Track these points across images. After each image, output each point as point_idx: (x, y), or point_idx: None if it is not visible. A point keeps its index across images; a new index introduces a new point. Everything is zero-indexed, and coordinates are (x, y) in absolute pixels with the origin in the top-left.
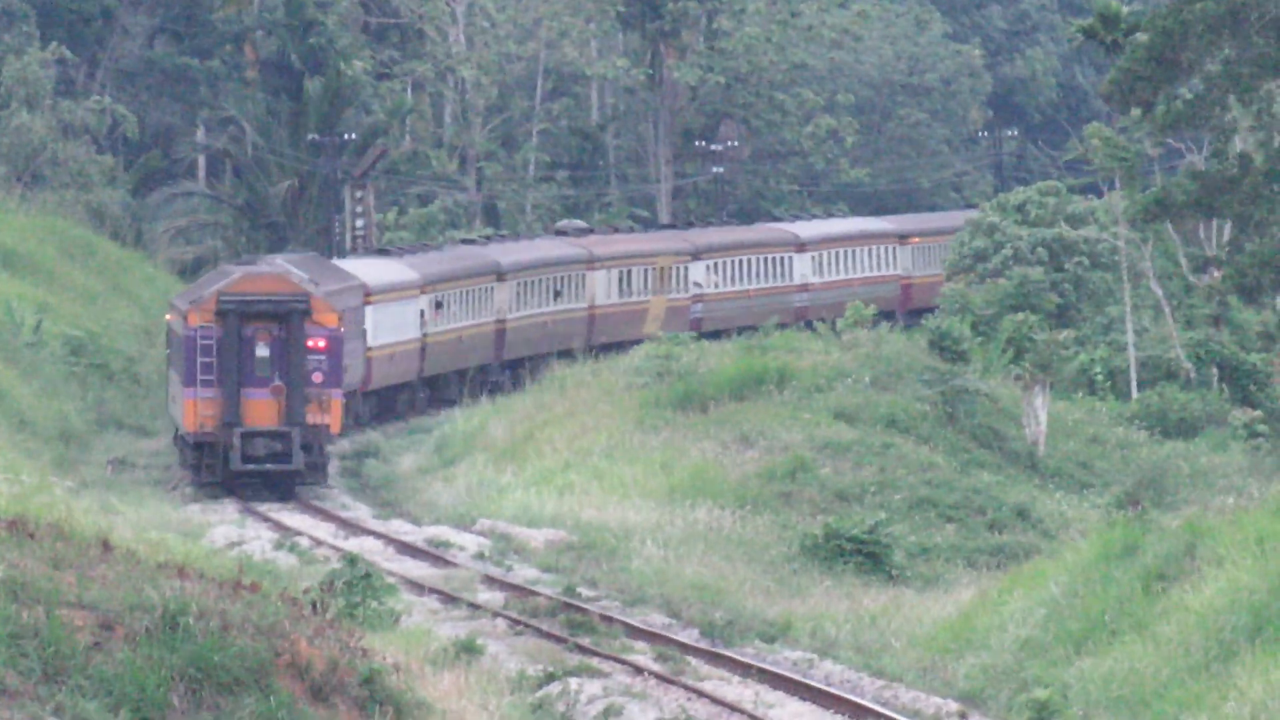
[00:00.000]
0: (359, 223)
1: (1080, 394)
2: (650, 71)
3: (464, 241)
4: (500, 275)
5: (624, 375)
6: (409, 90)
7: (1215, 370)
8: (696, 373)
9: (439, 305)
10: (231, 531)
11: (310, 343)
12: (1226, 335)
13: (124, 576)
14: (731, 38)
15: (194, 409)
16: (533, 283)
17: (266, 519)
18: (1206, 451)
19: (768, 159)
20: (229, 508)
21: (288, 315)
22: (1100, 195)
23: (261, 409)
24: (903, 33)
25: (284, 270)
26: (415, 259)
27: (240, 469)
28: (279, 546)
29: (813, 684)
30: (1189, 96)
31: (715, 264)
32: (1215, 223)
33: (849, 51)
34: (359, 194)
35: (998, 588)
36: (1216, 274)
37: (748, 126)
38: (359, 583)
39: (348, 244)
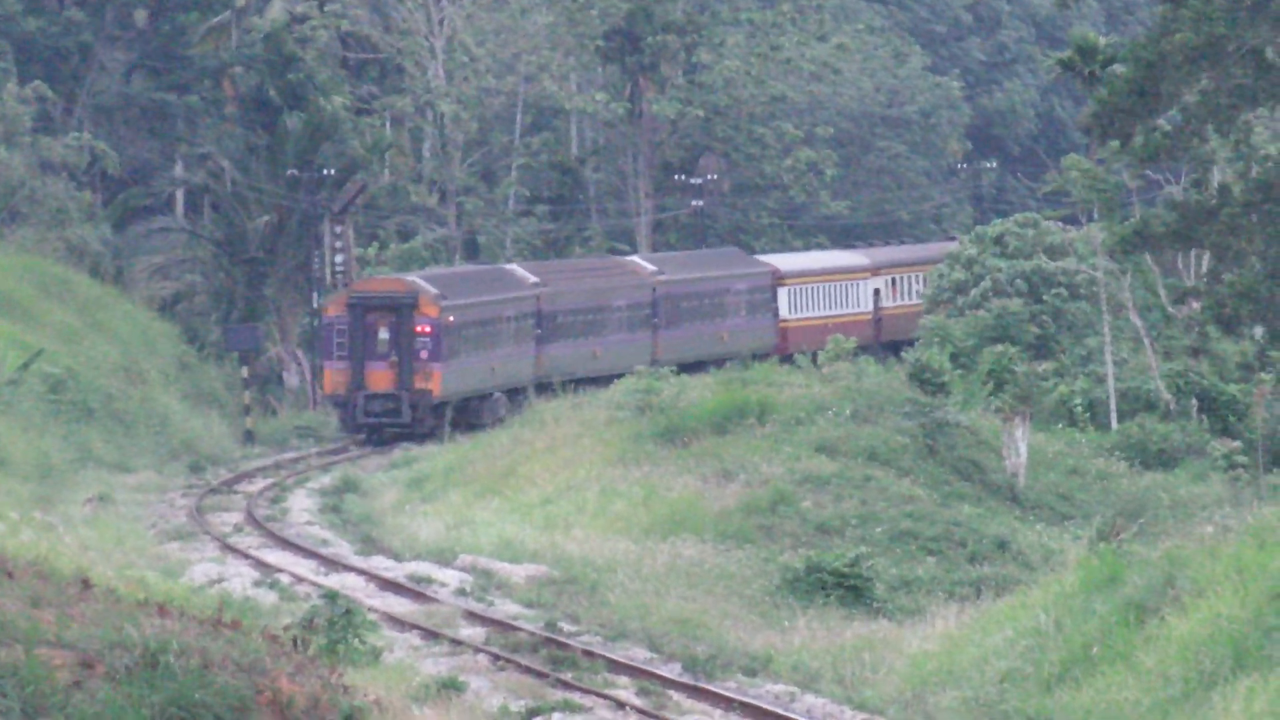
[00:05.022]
0: (338, 257)
1: (1060, 425)
2: (629, 105)
3: (949, 238)
4: None
5: (605, 409)
6: (388, 125)
7: (1194, 401)
8: (677, 407)
9: (894, 285)
10: (211, 569)
11: (418, 328)
12: (1206, 366)
13: (104, 615)
14: (710, 71)
15: (330, 377)
16: None
17: (246, 556)
18: (1186, 482)
19: (747, 192)
20: (209, 546)
21: (399, 308)
22: (1079, 227)
23: (380, 377)
24: (881, 65)
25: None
26: (871, 250)
27: (363, 422)
28: (259, 584)
29: (794, 717)
30: (1167, 128)
31: None
32: (1194, 254)
33: (828, 84)
34: (338, 229)
35: (979, 620)
36: (1195, 305)
37: (727, 159)
38: (340, 619)
39: (327, 279)
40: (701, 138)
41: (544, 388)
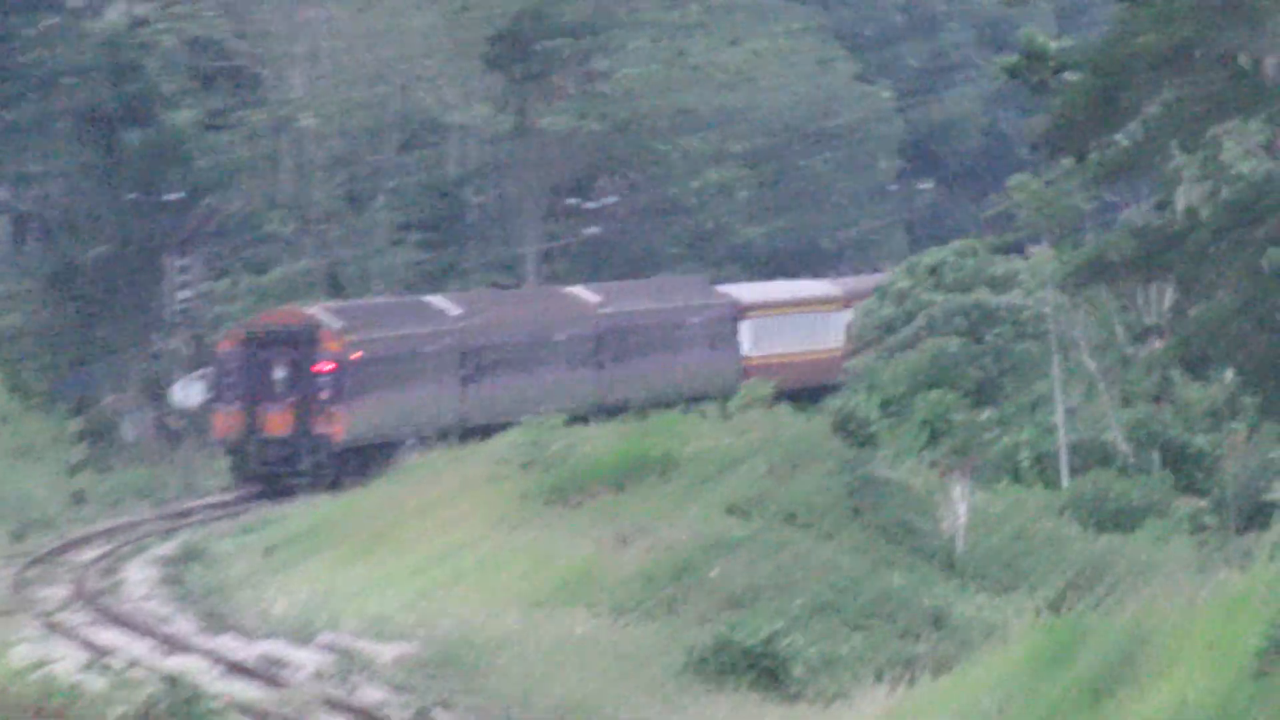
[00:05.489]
0: (184, 293)
1: (1004, 482)
2: (516, 119)
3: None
4: None
5: (487, 464)
6: (242, 143)
7: (1157, 454)
8: (568, 461)
9: None
10: (34, 650)
11: (318, 366)
12: (1169, 414)
13: None
14: (608, 81)
15: (222, 420)
16: None
17: (75, 635)
18: (1147, 546)
19: (651, 217)
20: (32, 623)
21: (298, 342)
22: (1026, 255)
23: (277, 420)
24: (803, 73)
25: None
26: (843, 279)
27: (258, 470)
28: (89, 667)
29: None
30: (1127, 143)
31: None
32: (1156, 286)
33: (742, 95)
34: (183, 261)
35: (912, 703)
36: (1158, 344)
37: (627, 180)
38: (182, 708)
39: (170, 317)
40: (598, 156)
41: (472, 431)
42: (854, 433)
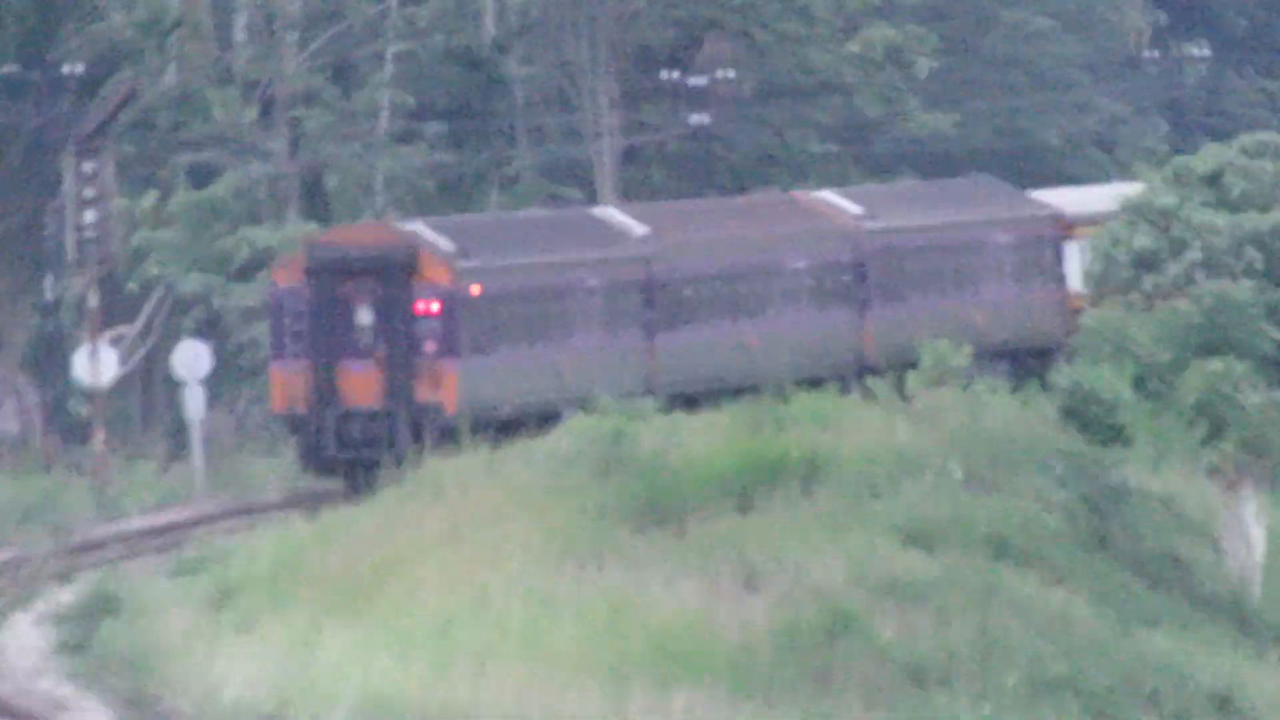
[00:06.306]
0: (90, 214)
1: None
2: None
3: None
4: None
5: (544, 470)
6: None
7: None
8: (665, 464)
9: None
10: None
11: (420, 305)
12: None
13: None
14: None
15: (282, 382)
16: None
17: None
18: None
19: (782, 99)
20: None
21: (389, 272)
22: None
23: (361, 383)
24: None
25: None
26: None
27: (336, 455)
28: None
29: None
30: None
31: None
32: None
33: None
34: (89, 165)
35: None
36: None
37: (747, 45)
38: None
39: (69, 250)
40: (703, 7)
41: (668, 403)
42: (1094, 423)
